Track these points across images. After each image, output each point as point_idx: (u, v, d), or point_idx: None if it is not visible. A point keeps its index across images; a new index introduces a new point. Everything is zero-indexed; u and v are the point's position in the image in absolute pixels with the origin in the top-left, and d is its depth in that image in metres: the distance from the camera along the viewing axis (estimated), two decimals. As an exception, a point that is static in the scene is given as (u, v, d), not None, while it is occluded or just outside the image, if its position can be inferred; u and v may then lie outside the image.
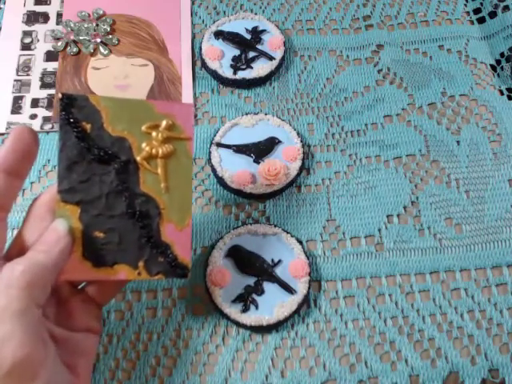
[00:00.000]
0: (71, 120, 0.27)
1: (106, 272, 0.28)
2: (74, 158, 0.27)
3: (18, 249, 0.27)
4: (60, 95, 0.27)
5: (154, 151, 0.28)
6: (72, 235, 0.27)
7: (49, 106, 0.44)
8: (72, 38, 0.47)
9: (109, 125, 0.28)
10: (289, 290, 0.36)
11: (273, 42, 0.46)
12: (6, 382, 0.22)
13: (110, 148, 0.28)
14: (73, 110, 0.27)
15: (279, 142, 0.41)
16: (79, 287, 0.31)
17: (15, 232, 0.28)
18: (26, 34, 0.47)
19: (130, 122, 0.28)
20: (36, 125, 0.43)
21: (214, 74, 0.45)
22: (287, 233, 0.38)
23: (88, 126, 0.27)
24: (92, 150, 0.27)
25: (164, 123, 0.29)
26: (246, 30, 0.47)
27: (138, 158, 0.28)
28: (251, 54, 0.46)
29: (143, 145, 0.28)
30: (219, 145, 0.41)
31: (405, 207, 0.40)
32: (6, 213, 0.27)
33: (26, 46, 0.47)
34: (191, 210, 0.29)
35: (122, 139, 0.28)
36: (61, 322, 0.28)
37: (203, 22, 0.49)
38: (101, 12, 0.48)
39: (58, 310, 0.29)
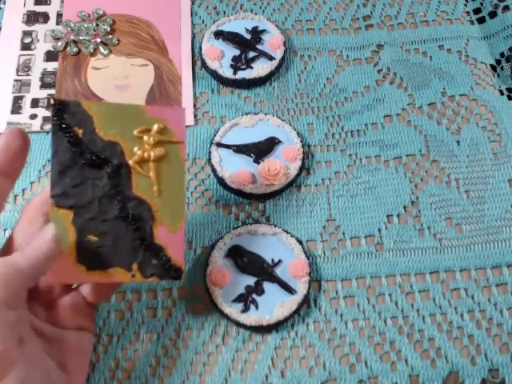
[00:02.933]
0: (63, 125, 0.27)
1: (100, 275, 0.28)
2: (66, 163, 0.27)
3: (9, 249, 0.28)
4: (52, 101, 0.27)
5: (145, 155, 0.29)
6: (59, 242, 0.26)
7: (49, 106, 0.44)
8: (72, 37, 0.47)
9: (101, 130, 0.28)
10: (289, 290, 0.36)
11: (273, 42, 0.46)
12: None
13: (102, 152, 0.28)
14: (65, 116, 0.27)
15: (279, 142, 0.41)
16: (72, 286, 0.31)
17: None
18: (26, 33, 0.47)
19: (122, 127, 0.28)
20: (36, 125, 0.43)
21: (214, 74, 0.45)
22: (287, 233, 0.38)
23: (80, 131, 0.28)
24: (84, 155, 0.28)
25: (155, 127, 0.29)
26: (246, 30, 0.47)
27: (131, 162, 0.28)
28: (251, 54, 0.46)
29: (135, 149, 0.28)
30: (219, 145, 0.41)
31: (405, 207, 0.40)
32: None
33: (25, 46, 0.47)
34: (184, 213, 0.30)
35: (113, 144, 0.28)
36: (51, 320, 0.29)
37: (203, 22, 0.49)
38: (101, 12, 0.48)
39: (48, 307, 0.29)
